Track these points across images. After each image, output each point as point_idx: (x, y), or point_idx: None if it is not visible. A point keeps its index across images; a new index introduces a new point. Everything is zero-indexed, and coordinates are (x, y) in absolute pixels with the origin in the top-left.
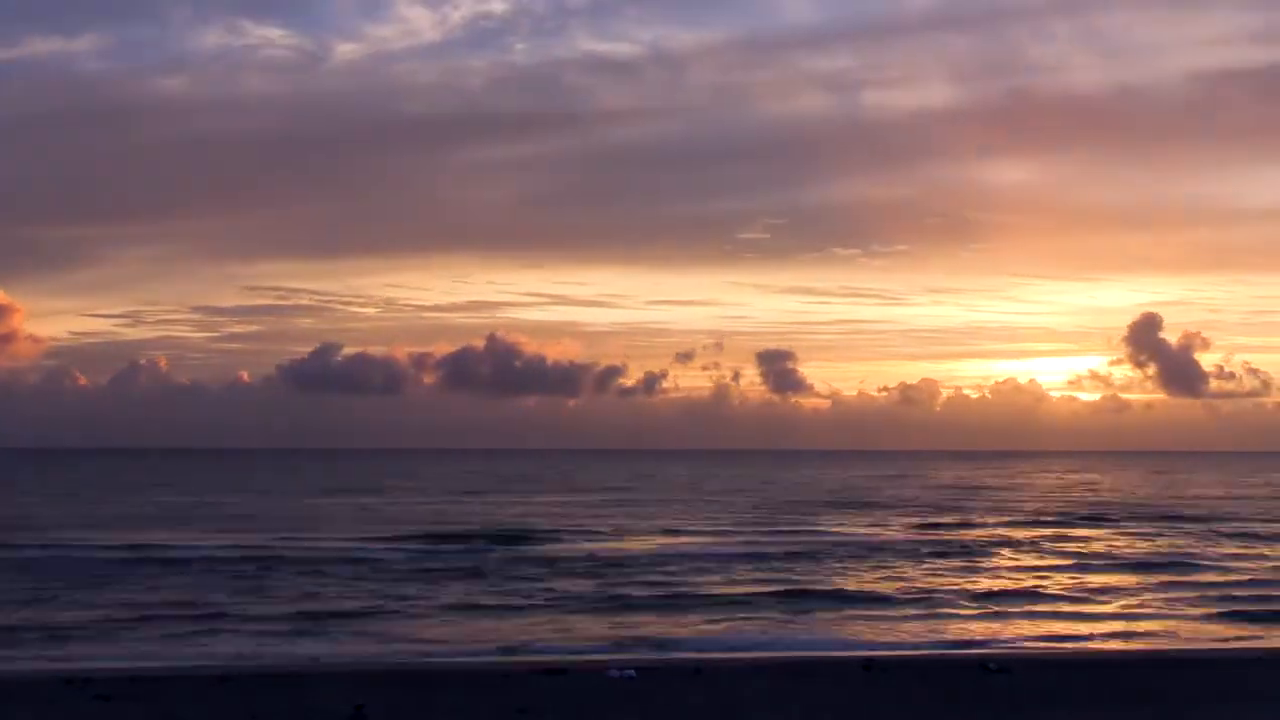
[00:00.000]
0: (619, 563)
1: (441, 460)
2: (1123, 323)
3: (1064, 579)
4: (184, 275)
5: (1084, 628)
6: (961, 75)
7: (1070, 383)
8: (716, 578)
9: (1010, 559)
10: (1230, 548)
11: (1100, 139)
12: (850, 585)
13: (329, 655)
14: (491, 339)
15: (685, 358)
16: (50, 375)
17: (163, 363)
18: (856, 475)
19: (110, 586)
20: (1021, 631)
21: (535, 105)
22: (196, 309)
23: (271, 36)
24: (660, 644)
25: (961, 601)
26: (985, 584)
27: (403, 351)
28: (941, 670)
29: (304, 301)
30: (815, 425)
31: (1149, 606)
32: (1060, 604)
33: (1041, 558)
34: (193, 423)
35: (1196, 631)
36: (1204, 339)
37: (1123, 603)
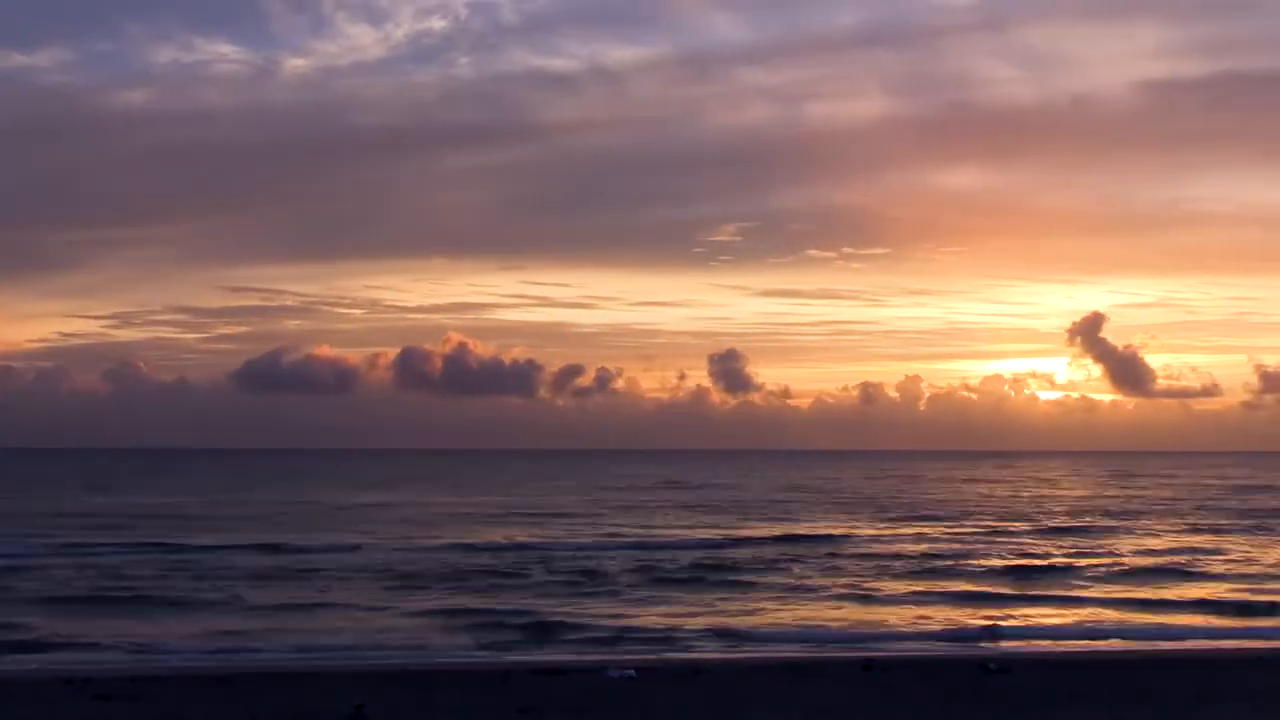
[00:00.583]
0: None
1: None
2: (1069, 324)
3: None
4: (167, 278)
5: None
6: (899, 88)
7: (1015, 382)
8: None
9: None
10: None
11: (1048, 147)
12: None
13: (329, 655)
14: (450, 342)
15: (656, 359)
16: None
17: (144, 365)
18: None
19: None
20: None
21: (489, 117)
22: (181, 310)
23: (224, 52)
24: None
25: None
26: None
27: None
28: (941, 670)
29: (289, 303)
30: (795, 425)
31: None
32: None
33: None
34: (185, 422)
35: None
36: (1163, 340)
37: None
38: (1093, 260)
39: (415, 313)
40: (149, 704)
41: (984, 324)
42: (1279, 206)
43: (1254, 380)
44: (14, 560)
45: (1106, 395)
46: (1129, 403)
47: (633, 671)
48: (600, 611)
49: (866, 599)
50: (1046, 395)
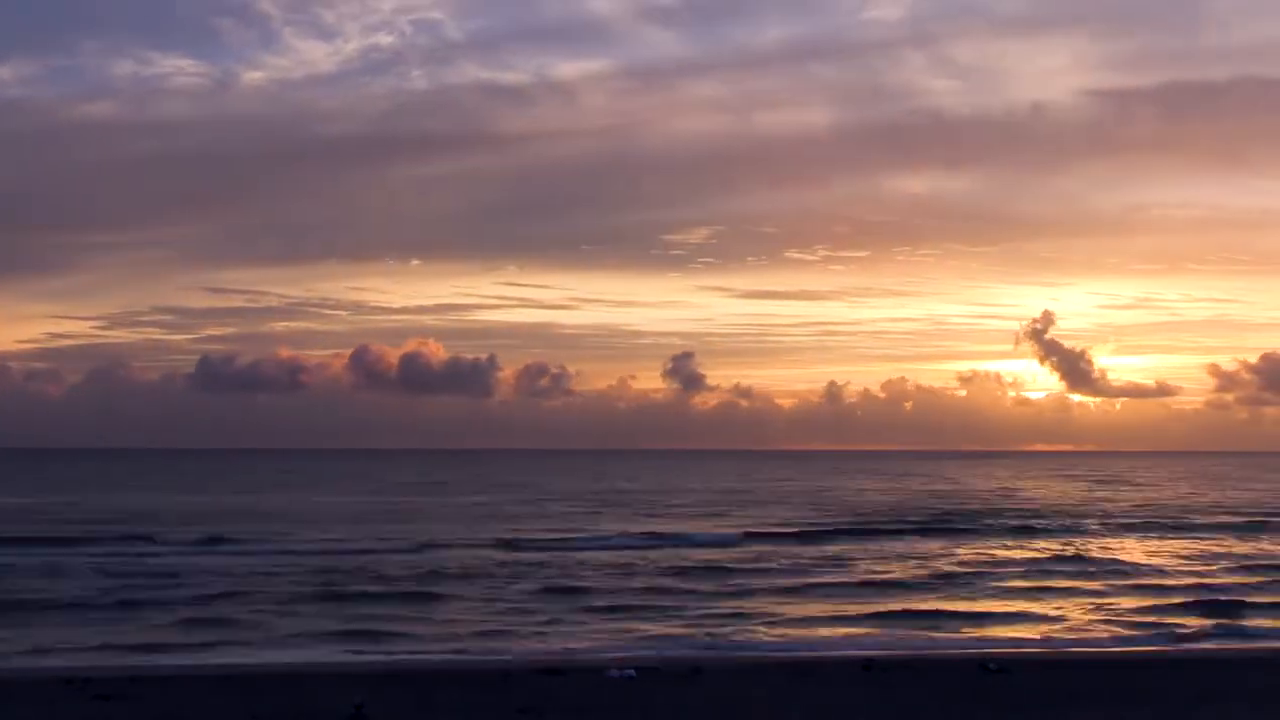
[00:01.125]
0: None
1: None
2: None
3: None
4: (151, 282)
5: None
6: (840, 98)
7: (965, 380)
8: None
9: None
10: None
11: (1001, 155)
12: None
13: (329, 655)
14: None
15: (651, 360)
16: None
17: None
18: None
19: None
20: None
21: (450, 126)
22: (167, 311)
23: (181, 65)
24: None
25: None
26: None
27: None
28: (941, 670)
29: (273, 304)
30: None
31: None
32: None
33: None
34: (175, 422)
35: None
36: (1137, 340)
37: None
38: (1050, 263)
39: (399, 314)
40: (149, 704)
41: (949, 327)
42: (1233, 210)
43: (1213, 380)
44: None
45: (1054, 392)
46: (1093, 403)
47: (633, 671)
48: None
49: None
50: (1018, 394)
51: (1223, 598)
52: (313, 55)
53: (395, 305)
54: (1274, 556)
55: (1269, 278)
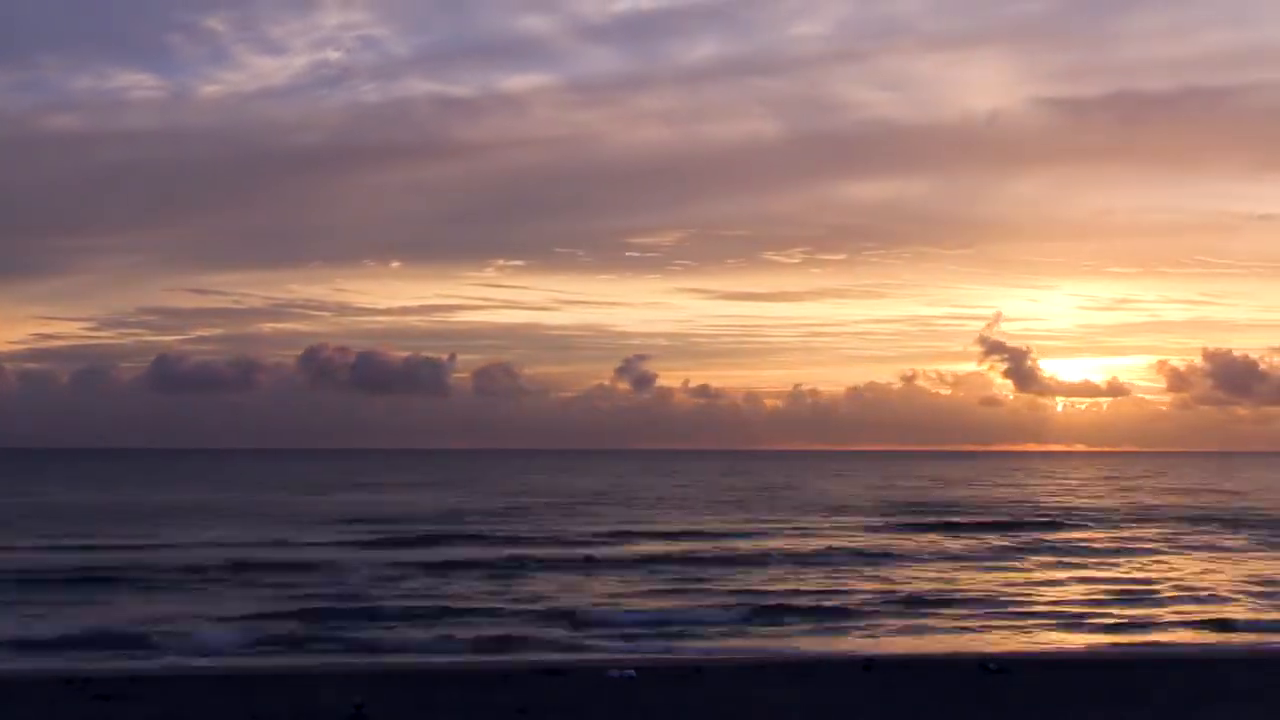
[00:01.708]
0: None
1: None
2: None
3: None
4: (137, 285)
5: None
6: (782, 112)
7: (905, 380)
8: None
9: None
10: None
11: (951, 163)
12: None
13: (329, 655)
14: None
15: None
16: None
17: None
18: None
19: None
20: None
21: (410, 136)
22: (155, 312)
23: (139, 79)
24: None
25: None
26: None
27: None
28: (941, 670)
29: (257, 305)
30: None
31: None
32: None
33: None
34: (168, 421)
35: None
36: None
37: None
38: (1011, 265)
39: (384, 315)
40: (149, 704)
41: (904, 329)
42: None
43: (1163, 380)
44: None
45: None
46: (1049, 403)
47: (633, 671)
48: None
49: None
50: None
51: None
52: (264, 69)
53: (380, 306)
54: None
55: (1241, 279)
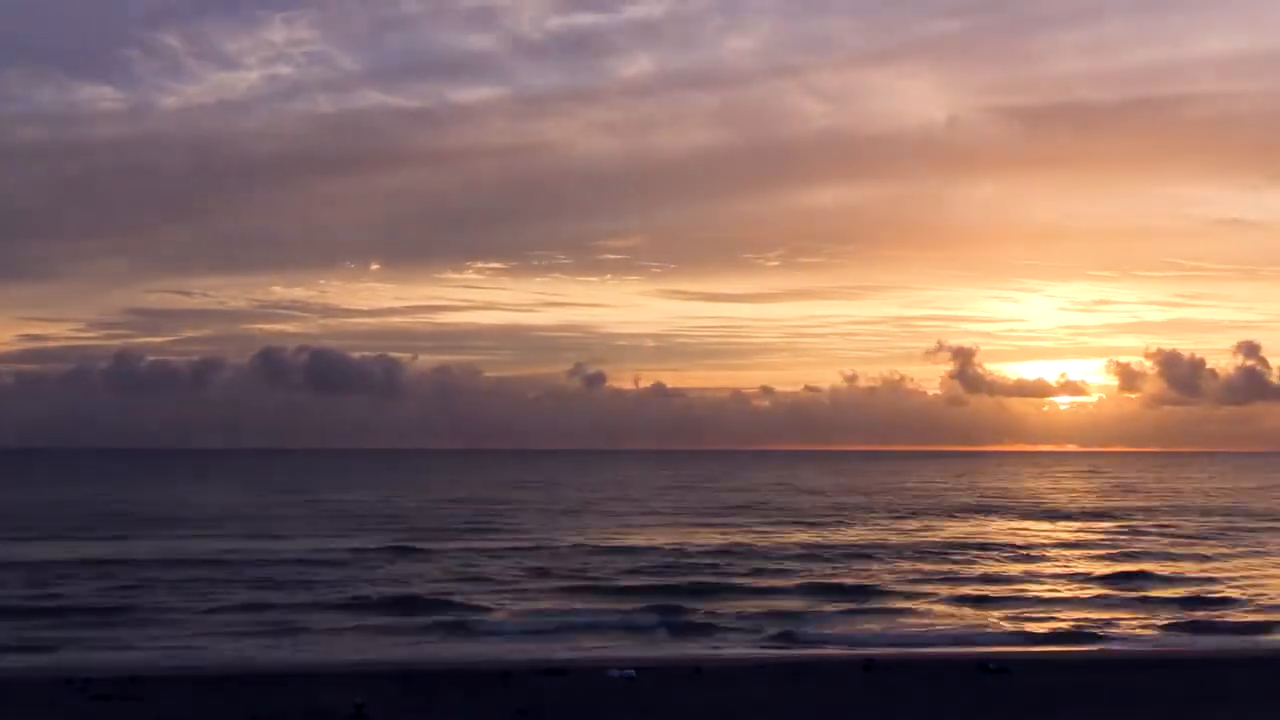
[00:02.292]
0: None
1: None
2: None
3: None
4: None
5: None
6: (724, 122)
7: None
8: None
9: None
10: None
11: (921, 168)
12: None
13: (329, 655)
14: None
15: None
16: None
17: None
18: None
19: None
20: None
21: (373, 144)
22: (142, 313)
23: (101, 92)
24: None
25: None
26: None
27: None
28: (941, 670)
29: (242, 306)
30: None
31: None
32: None
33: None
34: (162, 421)
35: None
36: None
37: None
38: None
39: (369, 316)
40: (149, 704)
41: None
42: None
43: (1116, 380)
44: None
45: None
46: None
47: (633, 671)
48: None
49: None
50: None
51: None
52: (220, 83)
53: (364, 308)
54: None
55: (1221, 281)
